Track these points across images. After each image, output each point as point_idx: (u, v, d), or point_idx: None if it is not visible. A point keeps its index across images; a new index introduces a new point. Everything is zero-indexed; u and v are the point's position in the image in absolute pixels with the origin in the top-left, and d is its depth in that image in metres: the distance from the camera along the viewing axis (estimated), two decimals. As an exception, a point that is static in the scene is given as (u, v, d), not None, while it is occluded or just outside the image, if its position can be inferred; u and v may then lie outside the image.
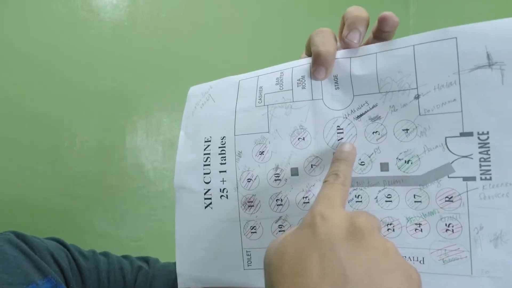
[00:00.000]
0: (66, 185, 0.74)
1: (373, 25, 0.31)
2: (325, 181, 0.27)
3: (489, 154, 0.26)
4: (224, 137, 0.34)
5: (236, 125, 0.34)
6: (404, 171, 0.28)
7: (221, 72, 0.94)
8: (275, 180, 0.32)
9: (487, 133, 0.26)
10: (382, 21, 0.30)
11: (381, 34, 0.30)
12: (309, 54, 0.32)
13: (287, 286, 0.21)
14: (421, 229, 0.28)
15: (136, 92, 0.81)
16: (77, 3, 0.76)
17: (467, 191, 0.26)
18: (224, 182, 0.33)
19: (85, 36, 0.76)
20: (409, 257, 0.28)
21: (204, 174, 0.34)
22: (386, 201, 0.29)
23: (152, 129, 0.82)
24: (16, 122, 0.71)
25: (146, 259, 0.47)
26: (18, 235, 0.38)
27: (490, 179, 0.26)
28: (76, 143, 0.75)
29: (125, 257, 0.47)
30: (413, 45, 0.28)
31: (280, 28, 0.96)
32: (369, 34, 0.32)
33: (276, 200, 0.32)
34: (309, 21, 0.98)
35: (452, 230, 0.27)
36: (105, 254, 0.45)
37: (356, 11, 0.30)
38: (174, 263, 0.43)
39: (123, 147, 0.79)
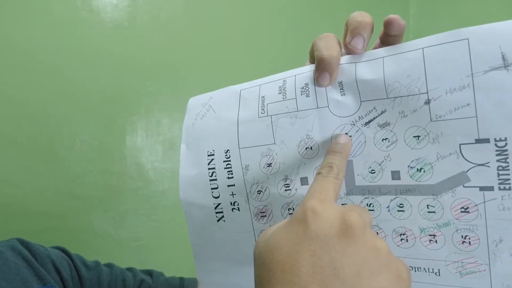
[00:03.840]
0: (66, 185, 0.74)
1: (381, 31, 0.30)
2: (318, 173, 0.26)
3: (507, 162, 0.24)
4: (228, 150, 0.33)
5: (239, 137, 0.33)
6: (416, 180, 0.27)
7: (221, 72, 0.94)
8: (285, 190, 0.31)
9: (505, 139, 0.24)
10: (387, 25, 0.28)
11: (388, 38, 0.29)
12: (313, 61, 0.31)
13: (276, 283, 0.20)
14: (436, 241, 0.26)
15: (136, 92, 0.81)
16: (77, 3, 0.76)
17: (484, 202, 0.25)
18: (234, 195, 0.33)
19: (85, 36, 0.76)
20: (424, 269, 0.27)
21: (212, 189, 0.33)
22: (398, 210, 0.28)
23: (152, 129, 0.82)
24: (16, 122, 0.71)
25: (150, 272, 0.47)
26: (23, 242, 0.39)
27: (510, 189, 0.24)
28: (76, 143, 0.75)
29: (129, 269, 0.46)
30: (422, 48, 0.26)
31: (280, 28, 0.96)
32: (376, 40, 0.31)
33: (288, 209, 0.31)
34: (309, 21, 0.98)
35: (469, 242, 0.25)
36: (109, 266, 0.45)
37: (360, 16, 0.29)
38: (178, 278, 0.43)
39: (123, 147, 0.79)
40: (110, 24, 0.78)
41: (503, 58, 0.24)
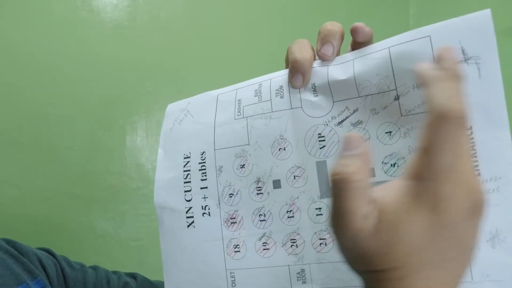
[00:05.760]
0: (66, 185, 0.74)
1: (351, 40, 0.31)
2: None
3: (474, 150, 0.25)
4: (203, 152, 0.33)
5: (215, 139, 0.33)
6: (390, 175, 0.27)
7: (221, 72, 0.94)
8: (257, 194, 0.31)
9: (470, 128, 0.25)
10: (352, 32, 0.30)
11: (357, 45, 0.30)
12: (288, 66, 0.32)
13: None
14: None
15: (136, 92, 0.81)
16: (77, 3, 0.76)
17: None
18: (206, 198, 0.33)
19: (85, 36, 0.76)
20: None
21: (185, 191, 0.33)
22: None
23: (152, 129, 0.82)
24: (16, 122, 0.71)
25: (134, 276, 0.47)
26: (9, 242, 0.39)
27: (479, 174, 0.25)
28: (76, 143, 0.75)
29: (114, 272, 0.47)
30: (388, 47, 0.28)
31: (280, 28, 0.96)
32: (348, 48, 0.32)
33: (259, 215, 0.31)
34: (309, 21, 0.98)
35: None
36: (94, 268, 0.46)
37: (330, 25, 0.30)
38: (163, 282, 0.43)
39: (123, 147, 0.79)
40: (110, 24, 0.78)
41: (463, 53, 0.25)
